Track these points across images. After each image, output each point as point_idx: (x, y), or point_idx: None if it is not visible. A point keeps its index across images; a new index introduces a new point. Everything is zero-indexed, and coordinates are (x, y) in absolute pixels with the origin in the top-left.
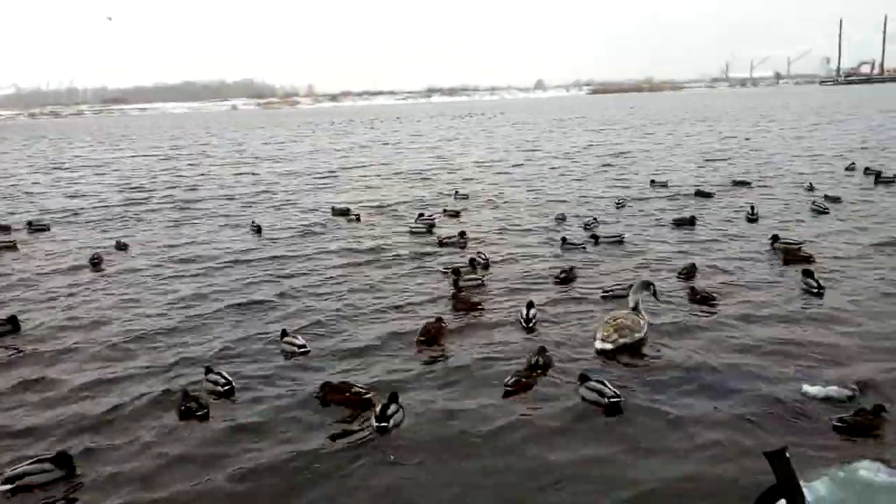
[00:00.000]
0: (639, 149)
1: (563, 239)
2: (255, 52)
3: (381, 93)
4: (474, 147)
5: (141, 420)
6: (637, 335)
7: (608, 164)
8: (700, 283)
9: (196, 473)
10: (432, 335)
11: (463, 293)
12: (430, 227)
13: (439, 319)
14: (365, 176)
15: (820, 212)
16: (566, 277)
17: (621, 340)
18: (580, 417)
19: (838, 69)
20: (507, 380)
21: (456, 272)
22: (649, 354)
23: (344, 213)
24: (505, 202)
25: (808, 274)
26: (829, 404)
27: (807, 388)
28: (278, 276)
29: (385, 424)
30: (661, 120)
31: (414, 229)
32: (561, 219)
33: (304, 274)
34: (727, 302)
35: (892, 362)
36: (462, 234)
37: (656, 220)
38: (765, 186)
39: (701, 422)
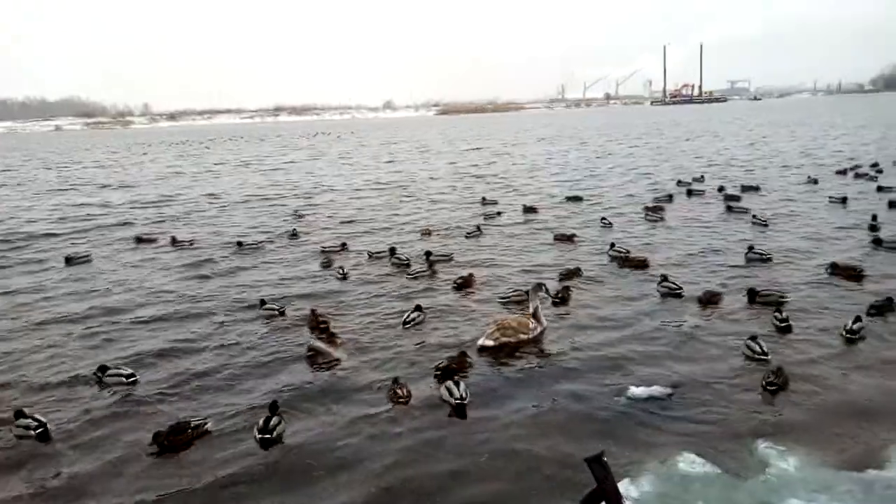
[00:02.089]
0: (492, 172)
1: (421, 254)
2: (81, 67)
3: (224, 111)
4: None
5: None
6: (522, 336)
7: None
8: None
9: None
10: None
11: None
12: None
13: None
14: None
15: (654, 221)
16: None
17: (503, 339)
18: (432, 417)
19: (664, 91)
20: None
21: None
22: (512, 357)
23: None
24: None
25: (664, 278)
26: (650, 403)
27: (632, 389)
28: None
29: (268, 436)
30: (510, 140)
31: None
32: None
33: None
34: (575, 304)
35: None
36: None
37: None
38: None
39: (529, 425)
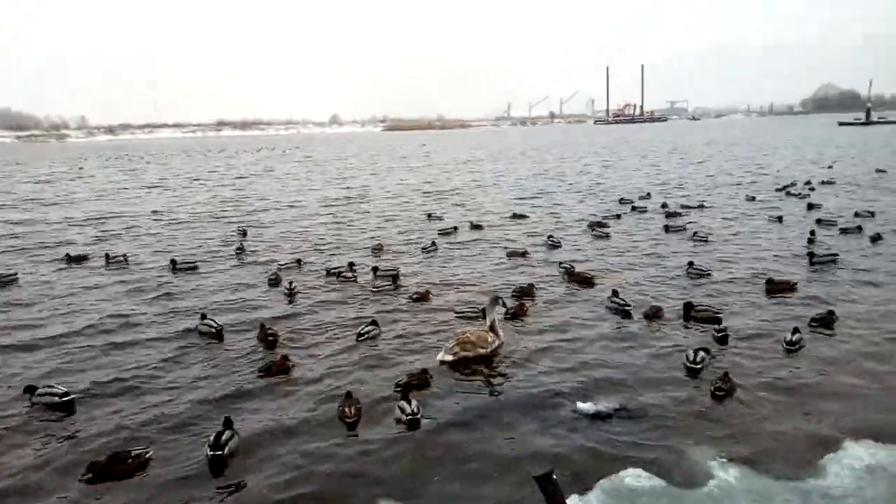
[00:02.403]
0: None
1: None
2: (11, 78)
3: (165, 125)
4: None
5: None
6: (480, 350)
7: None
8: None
9: None
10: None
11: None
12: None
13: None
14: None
15: (600, 238)
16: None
17: (462, 354)
18: (383, 434)
19: (607, 110)
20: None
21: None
22: (469, 371)
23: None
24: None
25: (615, 294)
26: (598, 419)
27: (580, 405)
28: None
29: (220, 453)
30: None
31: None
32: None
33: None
34: (528, 319)
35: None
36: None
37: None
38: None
39: (479, 441)
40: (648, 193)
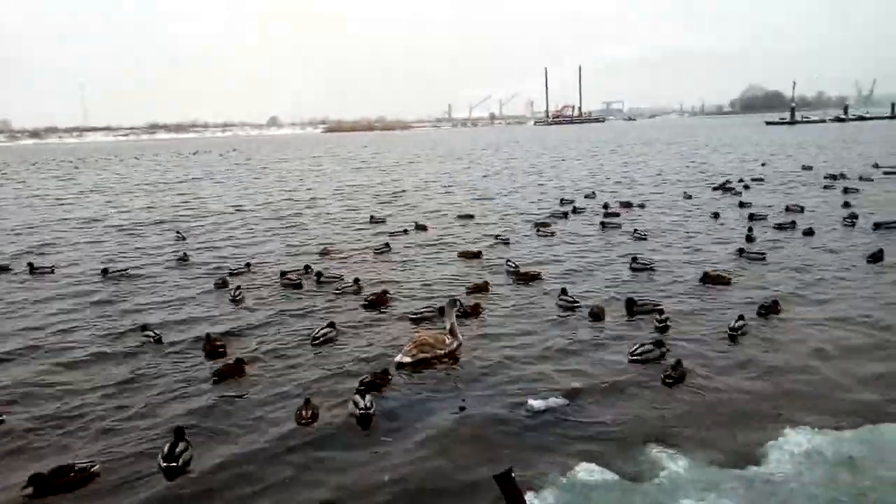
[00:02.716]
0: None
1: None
2: None
3: (95, 129)
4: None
5: None
6: (438, 351)
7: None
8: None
9: None
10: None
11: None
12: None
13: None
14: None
15: (545, 237)
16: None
17: (421, 355)
18: (339, 435)
19: (547, 111)
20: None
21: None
22: (427, 372)
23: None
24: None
25: (564, 292)
26: (550, 414)
27: (531, 402)
28: None
29: (174, 465)
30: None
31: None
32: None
33: None
34: (481, 318)
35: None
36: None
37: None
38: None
39: (435, 440)
40: (593, 192)
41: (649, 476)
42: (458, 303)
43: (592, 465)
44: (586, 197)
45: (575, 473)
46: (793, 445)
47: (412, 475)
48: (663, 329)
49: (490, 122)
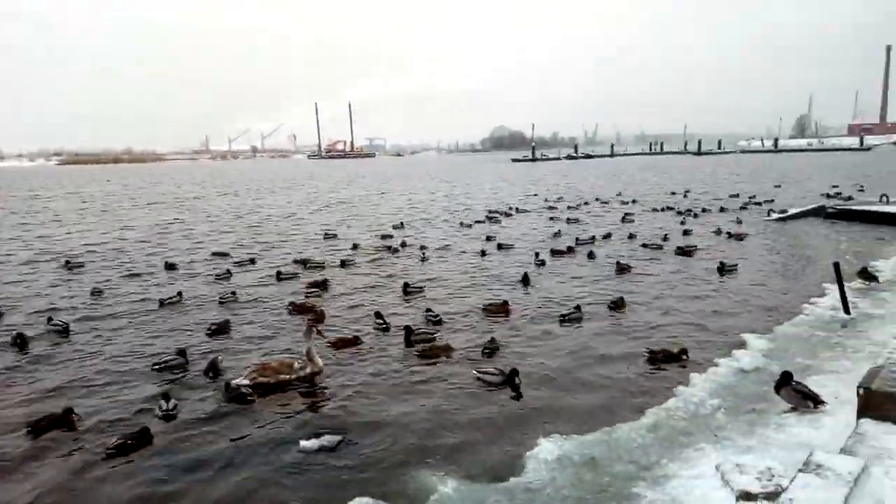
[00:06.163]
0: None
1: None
2: None
3: None
4: None
5: None
6: (282, 377)
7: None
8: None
9: None
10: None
11: None
12: None
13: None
14: None
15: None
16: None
17: (261, 379)
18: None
19: (319, 145)
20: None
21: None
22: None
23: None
24: None
25: (378, 315)
26: (323, 454)
27: (303, 443)
28: None
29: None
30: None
31: None
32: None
33: None
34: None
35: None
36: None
37: None
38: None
39: (205, 486)
40: (402, 223)
41: (422, 501)
42: (314, 329)
43: (367, 499)
44: (394, 228)
45: None
46: (547, 453)
47: None
48: (437, 323)
49: (252, 155)
